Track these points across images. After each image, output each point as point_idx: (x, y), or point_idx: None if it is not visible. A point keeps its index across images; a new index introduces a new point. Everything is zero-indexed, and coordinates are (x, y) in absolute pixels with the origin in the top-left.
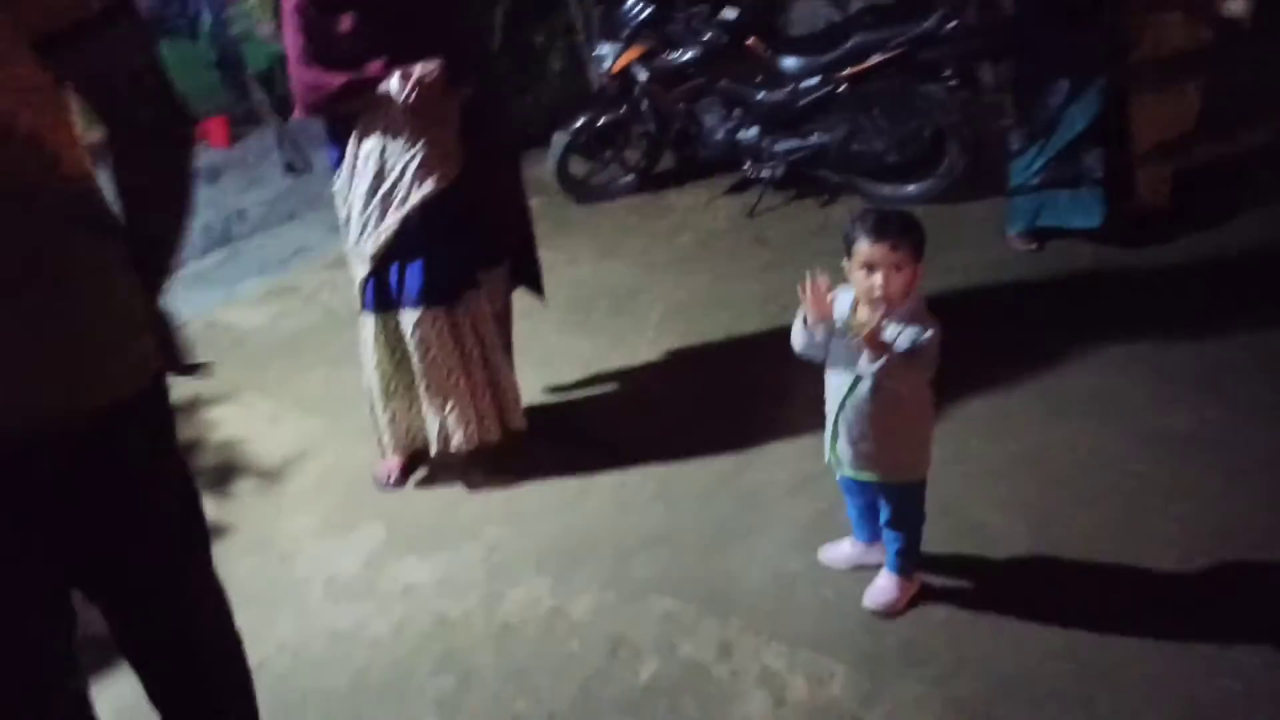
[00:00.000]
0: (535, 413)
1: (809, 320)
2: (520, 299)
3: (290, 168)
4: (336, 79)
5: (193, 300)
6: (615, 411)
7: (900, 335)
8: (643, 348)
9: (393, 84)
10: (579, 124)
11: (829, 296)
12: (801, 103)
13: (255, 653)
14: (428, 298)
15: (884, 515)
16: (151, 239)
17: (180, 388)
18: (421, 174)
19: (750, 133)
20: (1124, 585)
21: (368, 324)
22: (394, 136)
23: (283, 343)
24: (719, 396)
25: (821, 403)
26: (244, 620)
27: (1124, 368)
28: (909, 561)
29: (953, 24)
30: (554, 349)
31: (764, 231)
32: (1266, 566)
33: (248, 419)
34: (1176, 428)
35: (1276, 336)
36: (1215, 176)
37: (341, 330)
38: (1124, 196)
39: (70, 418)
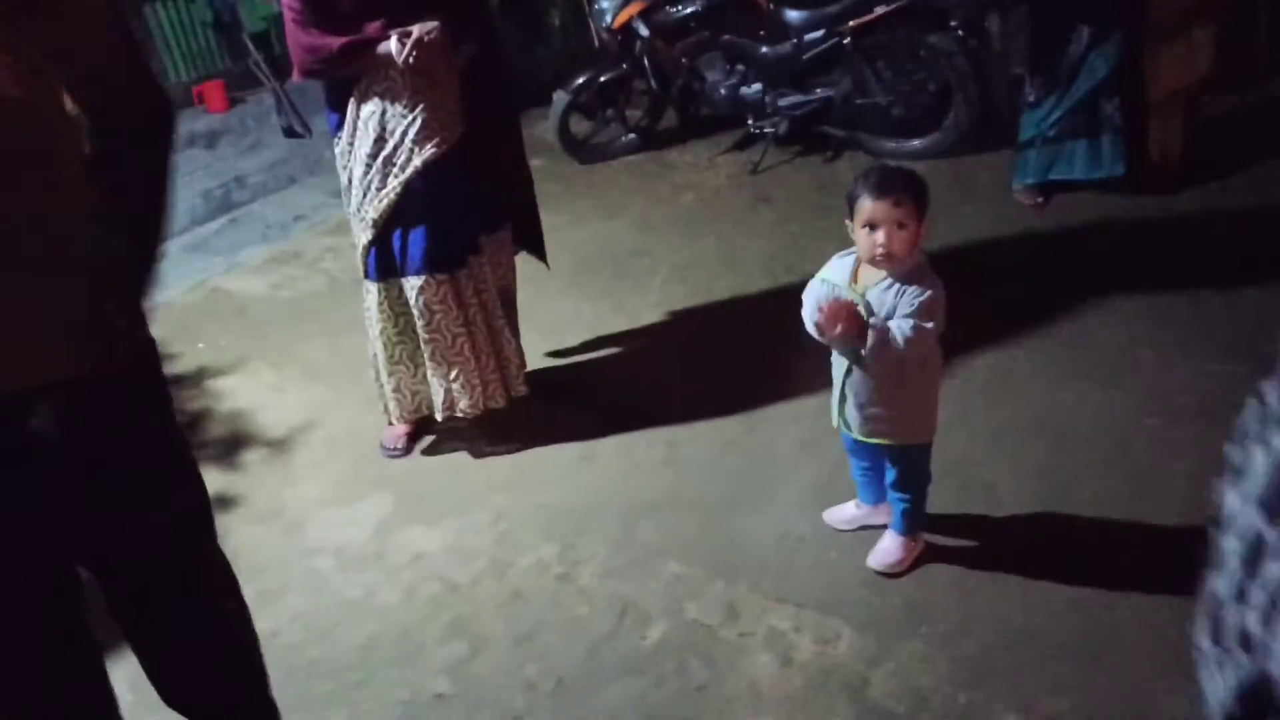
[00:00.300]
0: (540, 377)
1: (824, 332)
2: (524, 263)
3: (289, 131)
4: (334, 41)
5: (193, 268)
6: (620, 375)
7: (901, 300)
8: (647, 310)
9: (392, 45)
10: (580, 82)
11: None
12: (805, 56)
13: (266, 622)
14: (431, 264)
15: (890, 477)
16: (133, 217)
17: (186, 359)
18: (422, 138)
19: (753, 88)
20: (1131, 543)
21: (371, 292)
22: (394, 99)
23: (286, 311)
24: (724, 359)
25: (828, 363)
26: (254, 590)
27: (1132, 325)
28: (914, 522)
29: None
30: (558, 313)
31: (767, 189)
32: None
33: (253, 389)
34: (1186, 386)
35: None
36: (1228, 129)
37: (345, 297)
38: (1143, 147)
39: (65, 377)
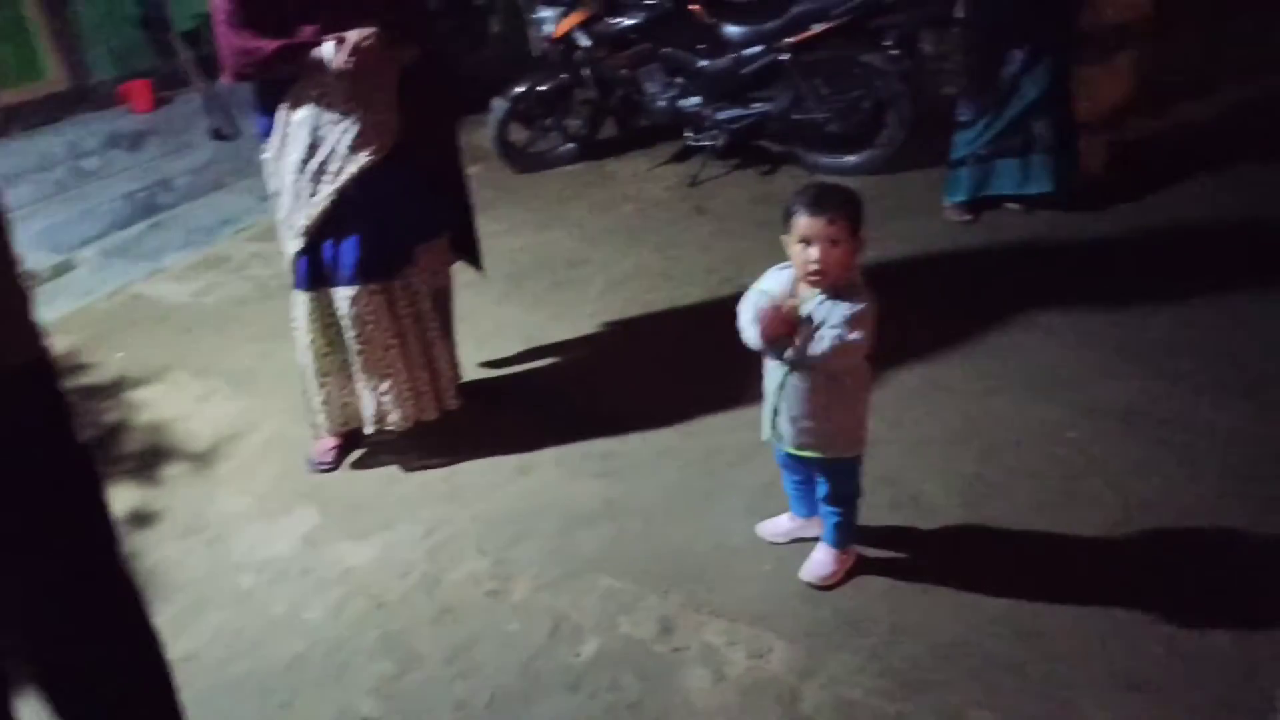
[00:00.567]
0: (476, 387)
1: (764, 335)
2: (460, 271)
3: (218, 133)
4: (268, 44)
5: (113, 273)
6: (557, 385)
7: (833, 313)
8: (584, 320)
9: (327, 49)
10: (519, 90)
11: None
12: (744, 71)
13: (187, 642)
14: (363, 274)
15: (821, 490)
16: None
17: (104, 368)
18: (357, 145)
19: (693, 101)
20: (1057, 554)
21: (300, 301)
22: (328, 105)
23: (211, 317)
24: (662, 369)
25: (762, 372)
26: (175, 608)
27: (1059, 339)
28: (846, 535)
29: None
30: (495, 322)
31: (706, 201)
32: (1190, 534)
33: (176, 398)
34: (1110, 399)
35: (1207, 309)
36: (1149, 150)
37: (273, 304)
38: (1072, 165)
39: None
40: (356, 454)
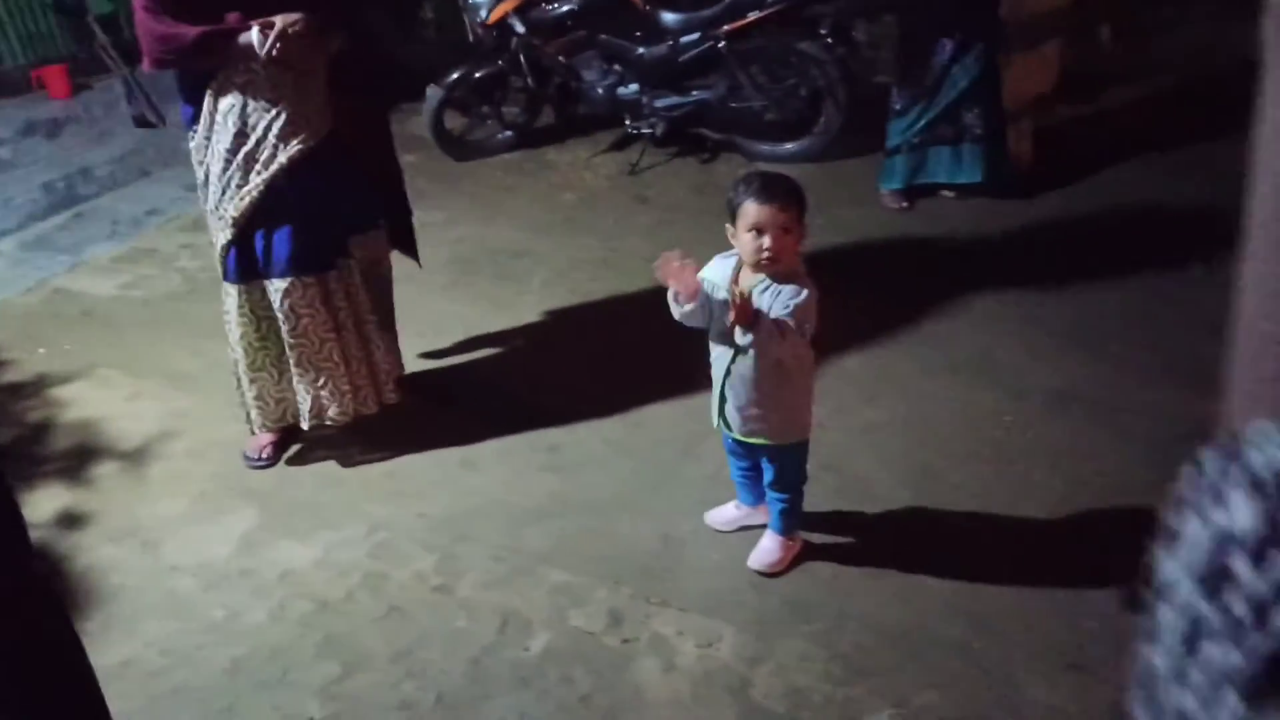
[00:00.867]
0: (417, 380)
1: (679, 298)
2: (399, 262)
3: (141, 121)
4: (190, 31)
5: (33, 267)
6: (500, 377)
7: (776, 300)
8: (526, 311)
9: (253, 36)
10: (454, 77)
11: (686, 268)
12: (681, 59)
13: (121, 650)
14: (297, 266)
15: (768, 477)
16: None
17: (24, 365)
18: (287, 133)
19: (630, 89)
20: (996, 536)
21: (231, 294)
22: (255, 93)
23: (139, 312)
24: (606, 359)
25: (708, 361)
26: (107, 615)
27: (995, 324)
28: (792, 522)
29: None
30: (435, 314)
31: (646, 190)
32: (1122, 511)
33: (104, 397)
34: (1044, 382)
35: (1134, 291)
36: (1075, 137)
37: (204, 298)
38: (1001, 154)
39: None
40: (294, 450)
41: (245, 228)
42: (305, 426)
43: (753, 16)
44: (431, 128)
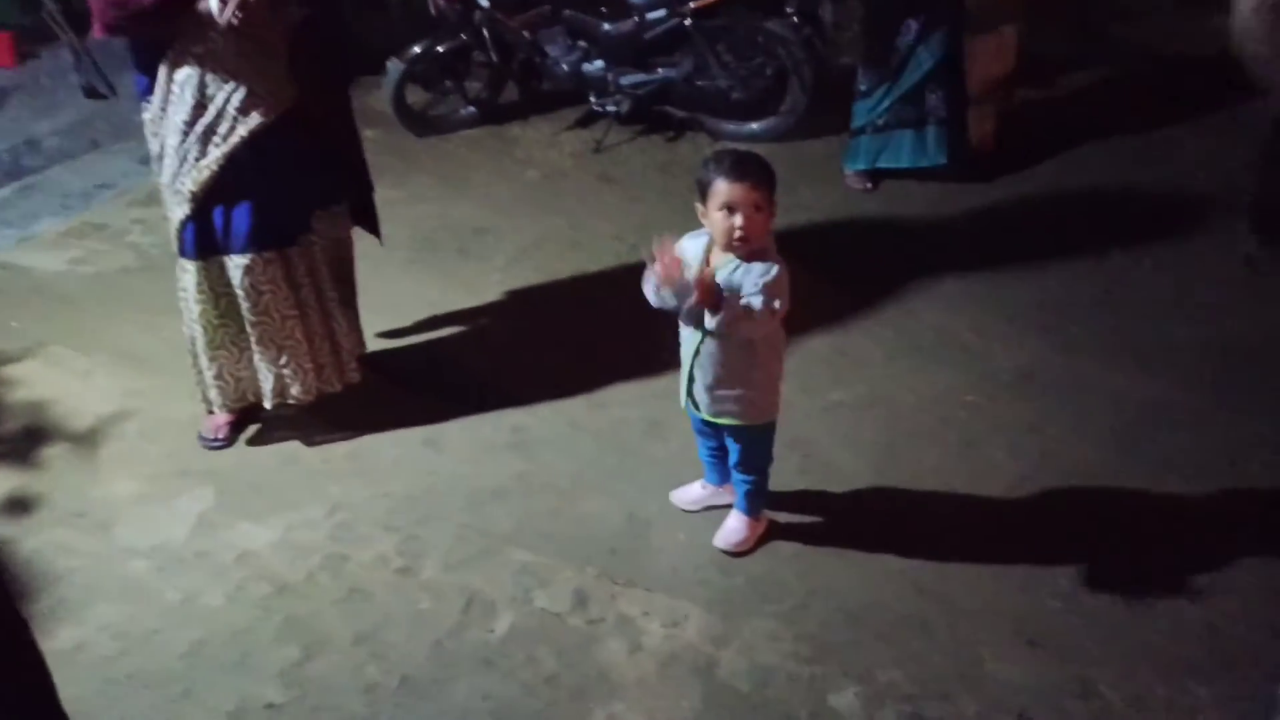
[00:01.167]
0: (380, 359)
1: (659, 284)
2: (360, 239)
3: (91, 91)
4: None
5: None
6: (464, 356)
7: (746, 277)
8: (490, 289)
9: (212, 4)
10: (417, 51)
11: (677, 260)
12: (647, 36)
13: (72, 633)
14: (258, 242)
15: (733, 458)
16: None
17: None
18: (247, 105)
19: (595, 65)
20: (960, 514)
21: (189, 270)
22: (214, 64)
23: (90, 289)
24: (571, 338)
25: (674, 341)
26: (56, 599)
27: (958, 305)
28: (758, 501)
29: None
30: (398, 292)
31: (611, 168)
32: (1082, 491)
33: (53, 376)
34: (1004, 363)
35: (1093, 273)
36: (1035, 120)
37: (158, 274)
38: (963, 137)
39: None
40: (252, 430)
41: (204, 202)
42: (268, 406)
43: None
44: (392, 103)
